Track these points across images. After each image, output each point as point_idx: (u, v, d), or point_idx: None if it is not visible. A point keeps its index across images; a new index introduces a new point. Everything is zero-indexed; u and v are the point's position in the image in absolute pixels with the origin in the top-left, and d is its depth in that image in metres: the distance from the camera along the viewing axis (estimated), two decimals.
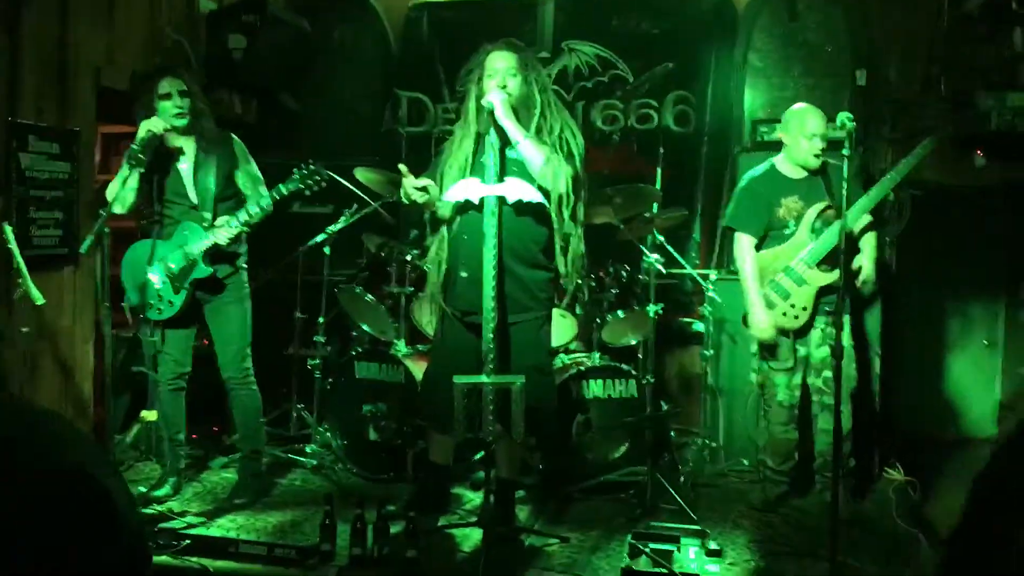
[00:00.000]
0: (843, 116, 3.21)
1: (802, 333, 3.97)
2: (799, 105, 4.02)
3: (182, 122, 3.85)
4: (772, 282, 3.95)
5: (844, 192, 2.98)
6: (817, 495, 4.06)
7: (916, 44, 4.96)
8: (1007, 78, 4.59)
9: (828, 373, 3.88)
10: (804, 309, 3.90)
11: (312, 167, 3.84)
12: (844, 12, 5.24)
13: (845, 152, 3.00)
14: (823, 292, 3.89)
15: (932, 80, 4.85)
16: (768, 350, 4.00)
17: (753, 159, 4.52)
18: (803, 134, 3.89)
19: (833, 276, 3.83)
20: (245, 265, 4.06)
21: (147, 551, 0.90)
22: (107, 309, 3.49)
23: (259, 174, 4.06)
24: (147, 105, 3.83)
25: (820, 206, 3.90)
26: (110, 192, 3.78)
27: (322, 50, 5.87)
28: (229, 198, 3.95)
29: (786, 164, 4.01)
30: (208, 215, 3.86)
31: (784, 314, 3.93)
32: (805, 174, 3.97)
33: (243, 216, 3.82)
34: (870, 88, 5.00)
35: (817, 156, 3.90)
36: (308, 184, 3.84)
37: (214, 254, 3.86)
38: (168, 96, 3.81)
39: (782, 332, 3.97)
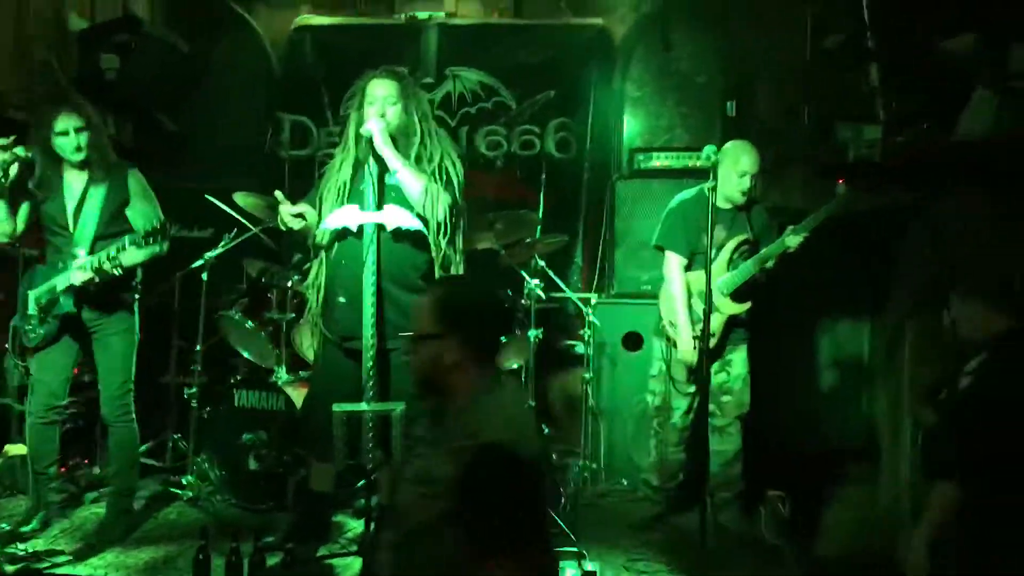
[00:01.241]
0: (709, 149, 3.36)
1: (712, 359, 4.07)
2: (735, 142, 4.12)
3: (79, 156, 3.71)
4: (687, 306, 4.06)
5: (710, 227, 3.09)
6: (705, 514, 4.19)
7: (782, 76, 5.22)
8: (865, 111, 4.87)
9: (725, 398, 4.05)
10: (713, 335, 4.00)
11: (156, 226, 3.62)
12: (714, 44, 5.47)
13: (710, 184, 3.13)
14: (731, 322, 4.04)
15: (797, 111, 5.11)
16: (687, 372, 4.10)
17: (630, 186, 4.66)
18: (735, 170, 3.99)
19: (743, 308, 4.00)
20: (136, 296, 3.93)
21: None
22: None
23: (156, 212, 3.87)
24: (43, 141, 3.69)
25: (740, 238, 4.04)
26: None
27: (201, 70, 5.75)
28: (115, 235, 3.74)
29: (715, 194, 4.14)
30: (81, 251, 3.70)
31: (695, 338, 4.03)
32: (730, 206, 4.08)
33: (94, 262, 3.63)
34: (740, 119, 5.22)
35: (744, 193, 4.01)
36: (150, 242, 3.62)
37: (97, 288, 3.70)
38: (65, 134, 3.66)
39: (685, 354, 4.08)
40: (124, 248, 3.60)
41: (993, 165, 4.28)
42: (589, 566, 3.25)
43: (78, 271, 3.64)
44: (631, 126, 5.54)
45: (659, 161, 5.01)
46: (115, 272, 3.64)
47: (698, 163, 3.91)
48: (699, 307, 3.98)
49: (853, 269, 5.26)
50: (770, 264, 3.98)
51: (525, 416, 2.37)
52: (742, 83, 5.34)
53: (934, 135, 4.70)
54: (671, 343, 4.11)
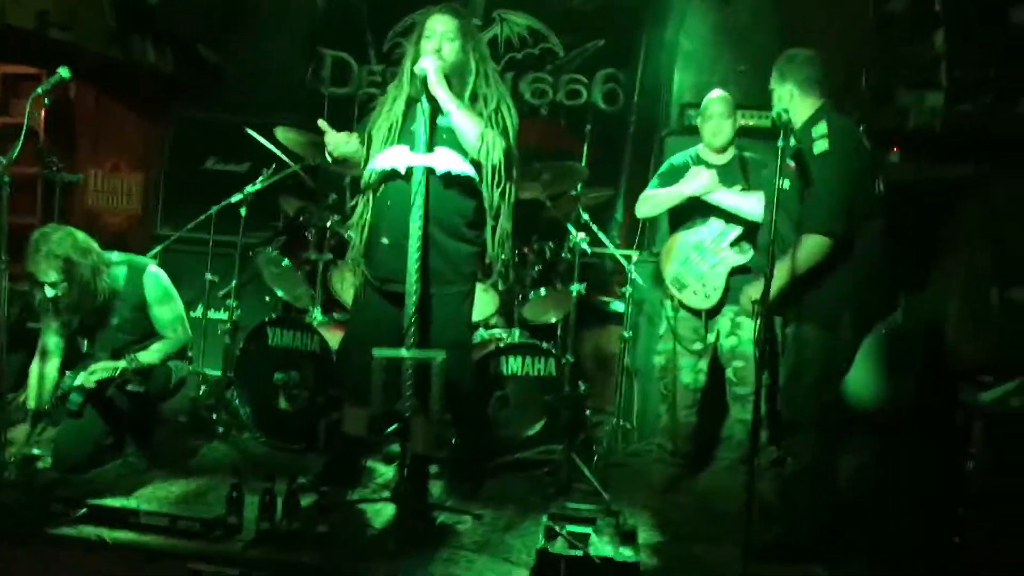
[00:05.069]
0: (779, 109, 3.23)
1: (712, 315, 3.99)
2: (714, 91, 4.07)
3: (65, 318, 3.71)
4: (685, 261, 3.97)
5: (776, 180, 2.97)
6: (720, 475, 4.13)
7: (843, 38, 5.03)
8: (927, 77, 4.70)
9: (738, 363, 3.94)
10: (715, 289, 3.92)
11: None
12: (773, 1, 5.29)
13: (780, 144, 2.99)
14: (735, 274, 3.91)
15: (857, 74, 4.94)
16: (692, 330, 4.02)
17: (680, 142, 4.52)
18: (704, 116, 4.01)
19: (746, 257, 3.86)
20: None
21: None
22: (4, 263, 3.27)
23: (178, 312, 3.89)
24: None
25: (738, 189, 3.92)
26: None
27: (244, 3, 5.63)
28: (137, 339, 3.82)
29: (706, 150, 4.06)
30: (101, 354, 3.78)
31: (695, 293, 3.95)
32: (723, 160, 4.02)
33: (113, 368, 3.66)
34: None
35: (716, 138, 3.98)
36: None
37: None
38: (45, 297, 3.62)
39: (693, 312, 4.00)
40: (145, 350, 3.77)
41: None
42: (626, 526, 3.19)
43: (95, 374, 3.65)
44: (682, 80, 5.38)
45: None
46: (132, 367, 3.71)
47: (757, 122, 3.79)
48: (697, 261, 3.93)
49: (895, 241, 5.13)
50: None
51: None
52: (802, 43, 5.14)
53: (999, 108, 4.55)
54: (674, 301, 4.02)
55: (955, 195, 4.66)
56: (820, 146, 3.17)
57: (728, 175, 3.95)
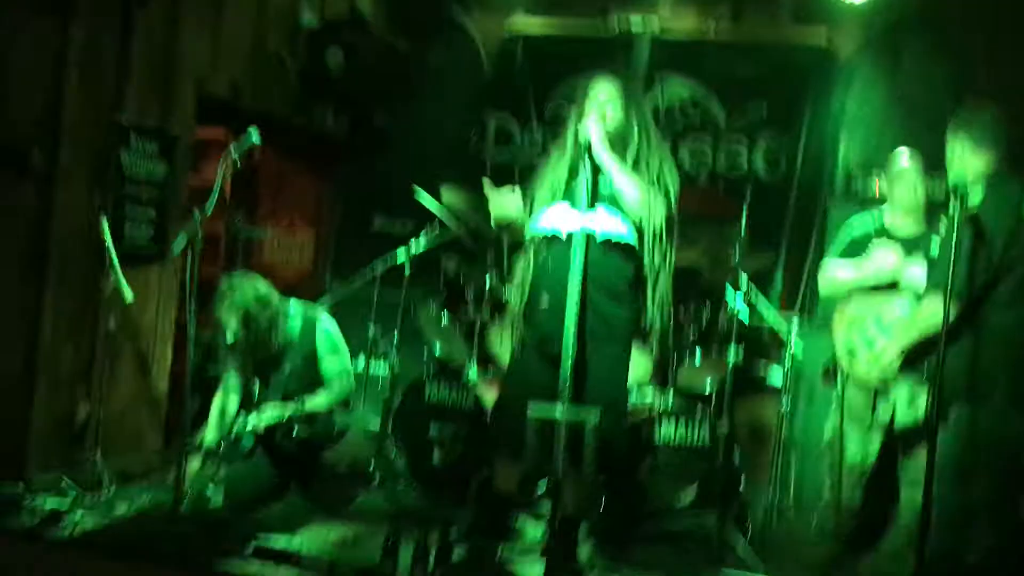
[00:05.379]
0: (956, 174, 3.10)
1: (885, 391, 3.80)
2: (901, 148, 3.89)
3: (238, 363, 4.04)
4: (859, 329, 3.81)
5: (951, 253, 2.83)
6: (884, 560, 3.89)
7: (1017, 106, 4.79)
8: None
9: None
10: (889, 363, 3.70)
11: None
12: (946, 68, 5.09)
13: (952, 209, 2.87)
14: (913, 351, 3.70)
15: None
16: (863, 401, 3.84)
17: (846, 211, 4.40)
18: (892, 174, 3.81)
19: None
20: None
21: None
22: (193, 312, 3.52)
23: (345, 363, 4.11)
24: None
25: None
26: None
27: (416, 69, 5.93)
28: (306, 389, 4.01)
29: (891, 215, 3.89)
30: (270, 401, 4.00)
31: (867, 363, 3.77)
32: (913, 229, 3.82)
33: (281, 414, 3.91)
34: None
35: (909, 196, 3.75)
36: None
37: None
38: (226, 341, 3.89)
39: (863, 384, 3.82)
40: (312, 397, 3.97)
41: None
42: None
43: (264, 417, 3.89)
44: (848, 147, 5.25)
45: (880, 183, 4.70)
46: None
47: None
48: (872, 332, 3.71)
49: None
50: None
51: None
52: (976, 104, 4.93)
53: None
54: (843, 374, 3.83)
55: None
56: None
57: (919, 246, 3.75)
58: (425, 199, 4.73)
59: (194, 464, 3.87)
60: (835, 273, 3.92)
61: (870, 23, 5.29)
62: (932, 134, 5.01)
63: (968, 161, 3.17)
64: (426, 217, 4.80)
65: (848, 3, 5.00)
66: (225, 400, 4.04)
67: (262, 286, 3.92)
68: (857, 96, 5.31)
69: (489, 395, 4.24)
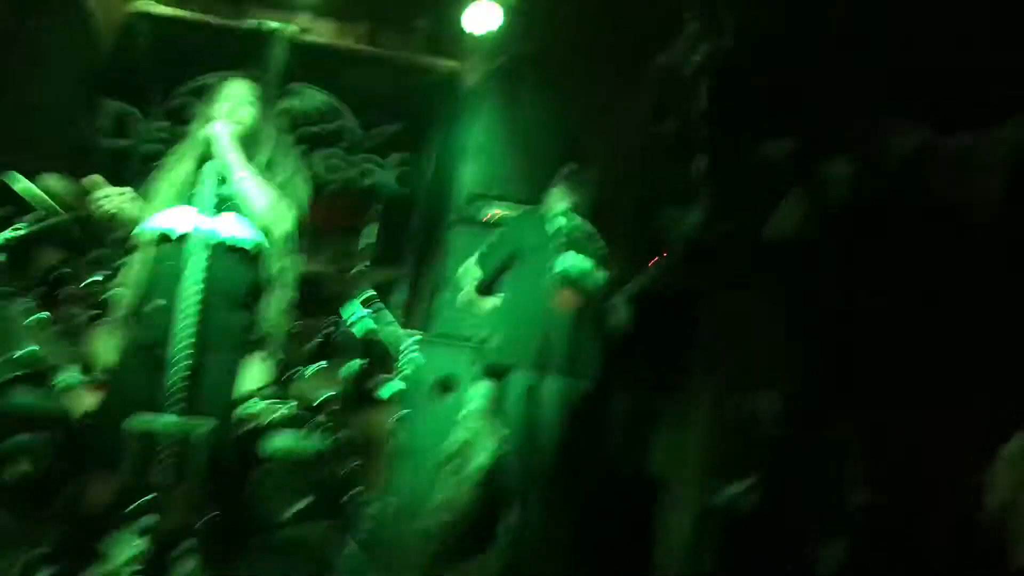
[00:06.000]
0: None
1: None
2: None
3: None
4: None
5: None
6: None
7: (617, 152, 5.43)
8: (690, 196, 5.14)
9: None
10: None
11: None
12: (558, 106, 5.60)
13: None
14: None
15: (627, 186, 5.32)
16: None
17: (467, 235, 4.69)
18: None
19: None
20: None
21: None
22: None
23: None
24: None
25: None
26: None
27: (19, 44, 5.30)
28: None
29: None
30: None
31: None
32: None
33: None
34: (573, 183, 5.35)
35: None
36: None
37: None
38: None
39: None
40: None
41: (793, 264, 4.64)
42: None
43: None
44: (471, 172, 5.59)
45: (498, 210, 5.07)
46: None
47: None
48: None
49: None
50: None
51: None
52: (578, 148, 5.50)
53: (750, 229, 5.05)
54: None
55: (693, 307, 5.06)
56: None
57: None
58: (21, 185, 4.24)
59: None
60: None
61: (492, 56, 5.70)
62: (543, 167, 5.56)
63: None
64: (24, 204, 4.31)
65: (472, 35, 5.34)
66: None
67: None
68: (482, 125, 5.68)
69: (88, 401, 3.90)
